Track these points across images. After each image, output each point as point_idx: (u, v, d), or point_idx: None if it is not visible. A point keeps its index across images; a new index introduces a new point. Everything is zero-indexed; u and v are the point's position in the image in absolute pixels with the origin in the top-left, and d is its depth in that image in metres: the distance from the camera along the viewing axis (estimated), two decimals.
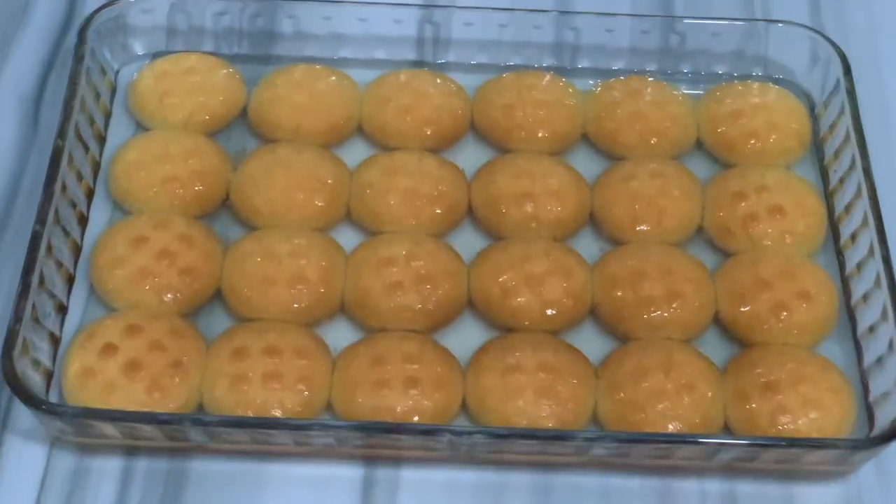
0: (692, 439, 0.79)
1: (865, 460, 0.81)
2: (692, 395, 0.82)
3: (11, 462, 0.81)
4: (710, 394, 0.82)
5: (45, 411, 0.77)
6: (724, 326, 0.88)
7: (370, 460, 0.82)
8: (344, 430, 0.78)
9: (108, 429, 0.78)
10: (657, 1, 1.08)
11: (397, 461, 0.82)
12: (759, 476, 0.82)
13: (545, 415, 0.81)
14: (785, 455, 0.79)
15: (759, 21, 1.00)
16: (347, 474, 0.82)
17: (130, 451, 0.81)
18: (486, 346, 0.85)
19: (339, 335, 0.87)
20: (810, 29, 0.98)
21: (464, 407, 0.83)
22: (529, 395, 0.81)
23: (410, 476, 0.82)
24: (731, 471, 0.82)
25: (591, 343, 0.87)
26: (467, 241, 0.91)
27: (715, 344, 0.87)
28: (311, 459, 0.81)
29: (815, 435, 0.80)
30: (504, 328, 0.87)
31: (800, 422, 0.81)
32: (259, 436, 0.78)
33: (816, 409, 0.81)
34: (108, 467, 0.81)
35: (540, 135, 0.95)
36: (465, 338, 0.87)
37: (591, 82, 0.99)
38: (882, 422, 0.80)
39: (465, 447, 0.79)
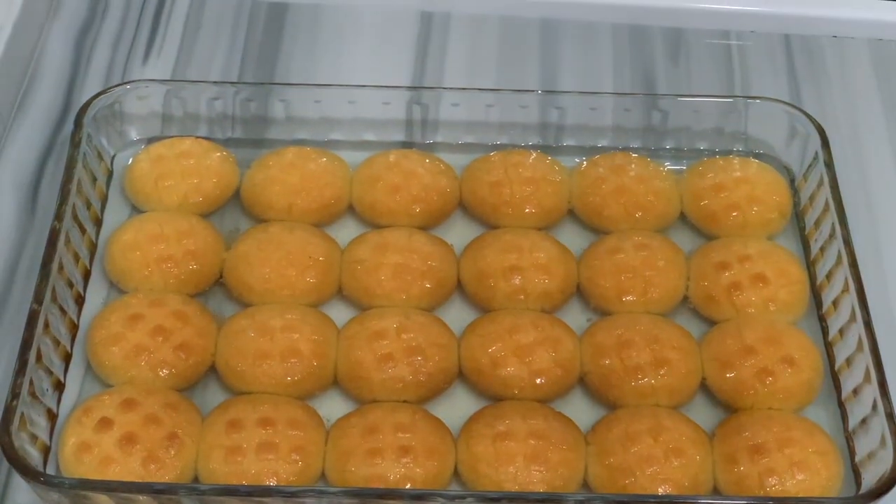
0: (682, 500, 0.80)
1: None
2: (681, 458, 0.83)
3: None
4: (698, 458, 0.84)
5: (42, 483, 0.78)
6: (710, 392, 0.89)
7: None
8: (337, 496, 0.79)
9: (105, 501, 0.79)
10: (639, 79, 1.11)
11: None
12: None
13: (536, 480, 0.82)
14: None
15: (739, 98, 1.03)
16: None
17: None
18: (477, 415, 0.86)
19: (332, 407, 0.88)
20: (788, 104, 1.00)
21: (456, 475, 0.84)
22: (520, 462, 0.83)
23: None
24: None
25: (579, 411, 0.88)
26: (457, 314, 0.93)
27: (702, 409, 0.89)
28: None
29: (803, 496, 0.81)
30: (494, 397, 0.88)
31: (788, 483, 0.82)
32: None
33: (804, 471, 0.82)
34: None
35: (527, 210, 0.97)
36: (456, 407, 0.88)
37: (576, 160, 1.02)
38: (868, 481, 0.81)
39: None
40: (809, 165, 0.99)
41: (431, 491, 0.81)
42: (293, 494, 0.78)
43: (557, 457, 0.83)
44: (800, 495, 0.81)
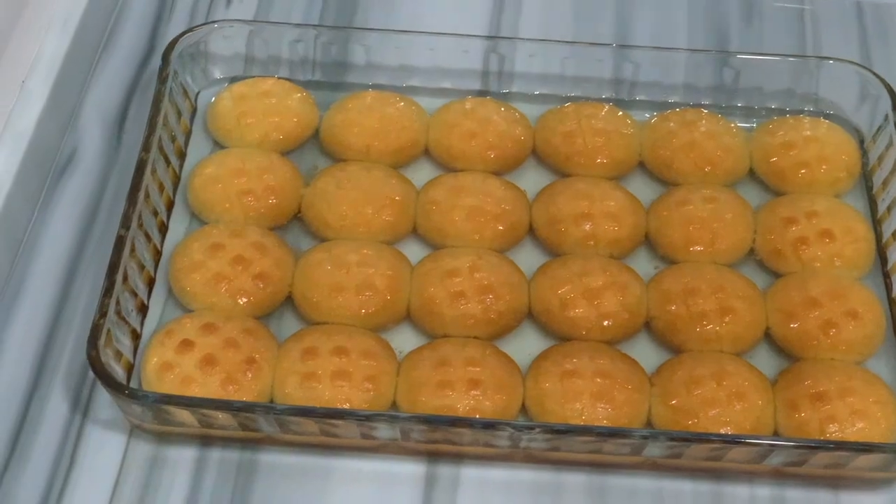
0: (744, 440, 0.82)
1: None
2: (743, 403, 0.85)
3: (91, 450, 0.86)
4: (760, 402, 0.85)
5: (127, 397, 0.81)
6: (773, 342, 0.91)
7: (432, 457, 0.85)
8: (409, 421, 0.81)
9: (185, 416, 0.82)
10: (712, 40, 1.12)
11: (458, 459, 0.85)
12: (807, 482, 0.85)
13: (601, 417, 0.84)
14: (833, 459, 0.82)
15: (811, 58, 1.04)
16: (410, 470, 0.85)
17: (205, 442, 0.86)
18: (546, 353, 0.89)
19: (404, 341, 0.91)
20: (860, 66, 1.02)
21: (523, 410, 0.87)
22: (586, 399, 0.85)
23: (471, 474, 0.85)
24: (781, 476, 0.85)
25: (644, 355, 0.90)
26: (527, 258, 0.95)
27: (765, 358, 0.91)
28: (375, 455, 0.85)
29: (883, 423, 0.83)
30: (562, 338, 0.90)
31: (847, 431, 0.84)
32: (327, 427, 0.82)
33: (863, 420, 0.84)
34: (184, 457, 0.85)
35: (598, 161, 0.99)
36: (525, 346, 0.90)
37: (647, 115, 1.04)
38: None
39: (524, 444, 0.82)
40: (879, 127, 1.00)
41: (500, 421, 0.83)
42: (367, 418, 0.81)
43: (622, 396, 0.85)
44: None
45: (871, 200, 0.99)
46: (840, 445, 0.81)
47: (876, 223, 0.97)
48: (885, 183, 0.97)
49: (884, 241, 0.95)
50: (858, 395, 0.85)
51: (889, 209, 0.96)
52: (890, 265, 0.94)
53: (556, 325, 0.90)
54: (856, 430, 0.84)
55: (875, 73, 1.01)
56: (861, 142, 1.02)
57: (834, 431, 0.84)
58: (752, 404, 0.85)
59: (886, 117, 0.99)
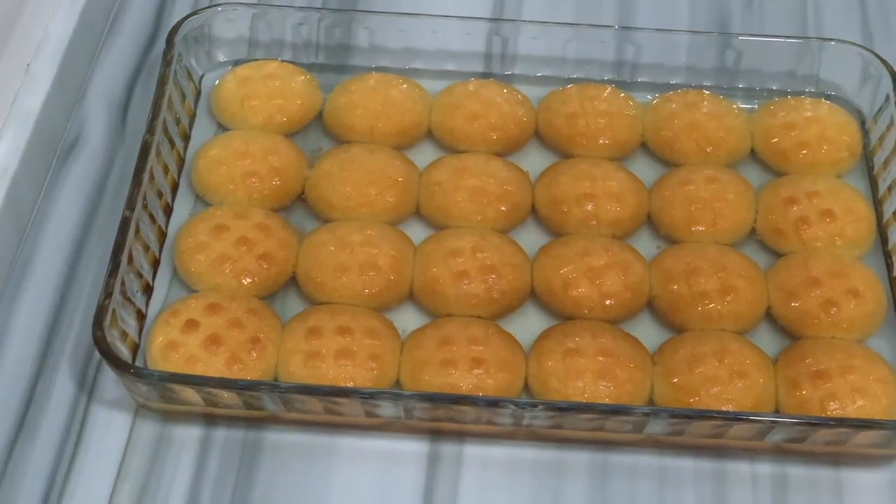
0: (745, 417, 0.82)
1: None
2: (745, 380, 0.85)
3: (97, 430, 0.86)
4: (762, 380, 0.86)
5: (132, 375, 0.82)
6: (775, 321, 0.91)
7: (436, 435, 0.86)
8: (412, 399, 0.82)
9: (190, 395, 0.83)
10: (714, 22, 1.13)
11: (461, 437, 0.86)
12: (808, 459, 0.85)
13: (603, 396, 0.85)
14: (834, 436, 0.82)
15: (813, 39, 1.05)
16: (414, 448, 0.86)
17: (209, 421, 0.86)
18: (548, 332, 0.89)
19: (407, 320, 0.91)
20: (862, 47, 1.02)
21: (526, 389, 0.87)
22: (589, 377, 0.85)
23: (474, 452, 0.86)
24: (782, 453, 0.85)
25: (647, 334, 0.91)
26: (530, 238, 0.96)
27: (766, 337, 0.91)
28: (379, 433, 0.86)
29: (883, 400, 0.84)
30: (565, 317, 0.91)
31: (848, 408, 0.84)
32: (331, 405, 0.83)
33: (864, 397, 0.85)
34: (189, 436, 0.86)
35: (601, 142, 1.00)
36: (527, 326, 0.91)
37: (649, 96, 1.04)
38: None
39: (527, 422, 0.83)
40: (880, 108, 1.00)
41: (503, 398, 0.84)
42: (370, 396, 0.82)
43: (625, 374, 0.86)
44: None
45: (872, 180, 0.99)
46: (840, 422, 0.82)
47: (877, 203, 0.97)
48: (885, 163, 0.98)
49: (885, 220, 0.96)
50: (859, 373, 0.86)
51: (890, 189, 0.96)
52: (891, 245, 0.94)
53: (559, 304, 0.91)
54: (856, 408, 0.84)
55: (876, 54, 1.01)
56: (862, 122, 1.02)
57: (835, 409, 0.84)
58: (754, 382, 0.86)
59: (888, 98, 0.99)
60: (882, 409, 0.85)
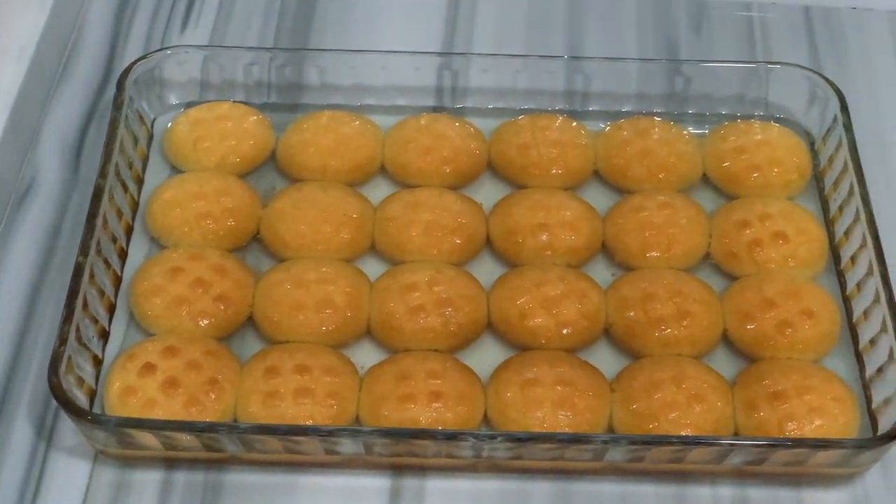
0: (703, 440, 0.83)
1: (871, 462, 0.85)
2: (703, 405, 0.86)
3: (56, 477, 0.86)
4: (720, 404, 0.86)
5: (89, 422, 0.81)
6: (731, 344, 0.92)
7: (397, 470, 0.86)
8: (372, 435, 0.82)
9: (149, 439, 0.82)
10: (662, 49, 1.14)
11: (423, 471, 0.86)
12: (769, 481, 0.86)
13: (563, 425, 0.85)
14: (793, 457, 0.82)
15: (761, 63, 1.06)
16: (375, 484, 0.86)
17: (169, 464, 0.86)
18: (506, 363, 0.89)
19: (365, 356, 0.91)
20: (809, 69, 1.03)
21: (486, 421, 0.87)
22: (548, 407, 0.86)
23: (436, 485, 0.86)
24: (743, 475, 0.85)
25: (604, 361, 0.91)
26: (485, 270, 0.96)
27: (723, 360, 0.92)
28: (340, 470, 0.86)
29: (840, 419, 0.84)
30: (522, 348, 0.91)
31: (806, 428, 0.85)
32: (291, 444, 0.83)
33: (821, 417, 0.85)
34: (149, 480, 0.85)
35: (554, 171, 1.00)
36: (485, 358, 0.91)
37: (601, 125, 1.05)
38: (885, 425, 0.84)
39: (487, 454, 0.83)
40: (829, 129, 1.01)
41: (462, 431, 0.83)
42: (329, 433, 0.82)
43: (583, 402, 0.86)
44: None
45: (823, 201, 1.00)
46: (798, 443, 0.82)
47: (828, 223, 0.98)
48: (835, 183, 0.99)
49: (836, 240, 0.97)
50: (816, 393, 0.86)
51: (841, 209, 0.97)
52: (843, 264, 0.95)
53: (516, 335, 0.91)
54: (814, 427, 0.85)
55: (822, 76, 1.02)
56: (811, 144, 1.03)
57: (792, 429, 0.85)
58: (712, 406, 0.86)
59: (835, 119, 1.00)
60: (839, 428, 0.85)
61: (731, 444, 0.82)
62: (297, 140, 1.02)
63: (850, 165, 0.96)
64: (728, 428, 0.86)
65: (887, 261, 0.90)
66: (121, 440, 0.83)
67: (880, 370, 0.87)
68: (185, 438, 0.82)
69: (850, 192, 0.96)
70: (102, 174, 0.94)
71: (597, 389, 0.87)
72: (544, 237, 0.95)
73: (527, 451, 0.83)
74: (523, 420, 0.85)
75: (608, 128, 1.04)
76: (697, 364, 0.89)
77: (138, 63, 1.02)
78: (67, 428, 0.87)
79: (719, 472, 0.86)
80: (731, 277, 0.96)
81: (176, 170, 1.02)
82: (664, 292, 0.92)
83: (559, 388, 0.86)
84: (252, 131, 1.02)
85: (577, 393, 0.86)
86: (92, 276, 0.89)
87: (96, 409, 0.87)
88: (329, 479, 0.86)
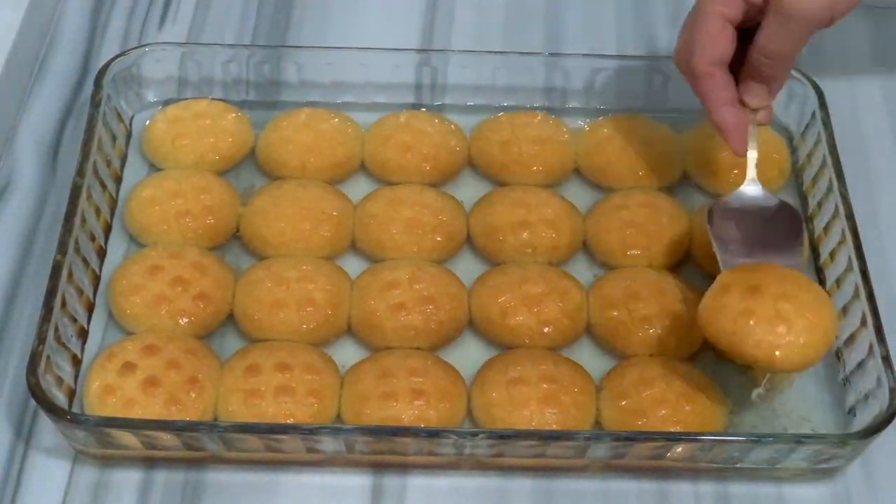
0: (685, 437, 0.83)
1: (851, 457, 0.85)
2: (692, 403, 0.86)
3: (35, 478, 0.85)
4: (708, 402, 0.86)
5: (69, 422, 0.81)
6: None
7: (378, 468, 0.86)
8: (353, 433, 0.82)
9: (129, 439, 0.82)
10: (642, 45, 1.14)
11: (404, 469, 0.86)
12: (750, 476, 0.86)
13: (550, 422, 0.85)
14: (773, 452, 0.83)
15: None
16: (357, 482, 0.85)
17: (149, 464, 0.85)
18: (490, 363, 0.89)
19: (346, 354, 0.91)
20: None
21: (471, 421, 0.87)
22: (534, 405, 0.86)
23: (417, 483, 0.86)
24: (724, 472, 0.85)
25: (586, 359, 0.91)
26: (466, 268, 0.96)
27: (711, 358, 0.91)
28: (321, 468, 0.85)
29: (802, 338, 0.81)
30: (503, 346, 0.91)
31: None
32: (271, 442, 0.82)
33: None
34: (128, 479, 0.85)
35: (534, 169, 1.00)
36: (466, 356, 0.91)
37: (580, 122, 1.05)
38: (865, 420, 0.84)
39: (469, 451, 0.83)
40: (807, 125, 1.02)
41: (443, 429, 0.83)
42: (310, 432, 0.81)
43: (569, 399, 0.86)
44: (800, 336, 0.81)
45: (802, 197, 1.00)
46: (779, 438, 0.83)
47: (807, 219, 0.98)
48: (814, 179, 0.99)
49: (815, 236, 0.97)
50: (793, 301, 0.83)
51: (819, 205, 0.97)
52: (822, 259, 0.95)
53: (497, 333, 0.91)
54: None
55: (801, 72, 1.02)
56: (790, 140, 1.03)
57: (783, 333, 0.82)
58: (701, 404, 0.86)
59: (814, 115, 1.00)
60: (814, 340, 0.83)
61: (714, 441, 0.82)
62: (276, 137, 1.01)
63: (829, 161, 0.97)
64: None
65: (866, 256, 0.91)
66: (100, 440, 0.82)
67: (860, 365, 0.87)
68: (166, 438, 0.82)
69: (829, 188, 0.96)
70: (80, 172, 0.93)
71: (582, 386, 0.87)
72: (525, 235, 0.95)
73: (509, 449, 0.83)
74: (510, 419, 0.85)
75: (588, 125, 1.04)
76: (685, 365, 0.89)
77: (116, 60, 1.01)
78: (47, 428, 0.87)
79: (701, 469, 0.85)
80: (713, 276, 0.95)
81: (154, 168, 1.01)
82: (646, 291, 0.92)
83: (545, 385, 0.86)
84: (231, 129, 1.02)
85: (562, 390, 0.86)
86: (70, 274, 0.88)
87: (76, 409, 0.86)
88: (310, 477, 0.85)
